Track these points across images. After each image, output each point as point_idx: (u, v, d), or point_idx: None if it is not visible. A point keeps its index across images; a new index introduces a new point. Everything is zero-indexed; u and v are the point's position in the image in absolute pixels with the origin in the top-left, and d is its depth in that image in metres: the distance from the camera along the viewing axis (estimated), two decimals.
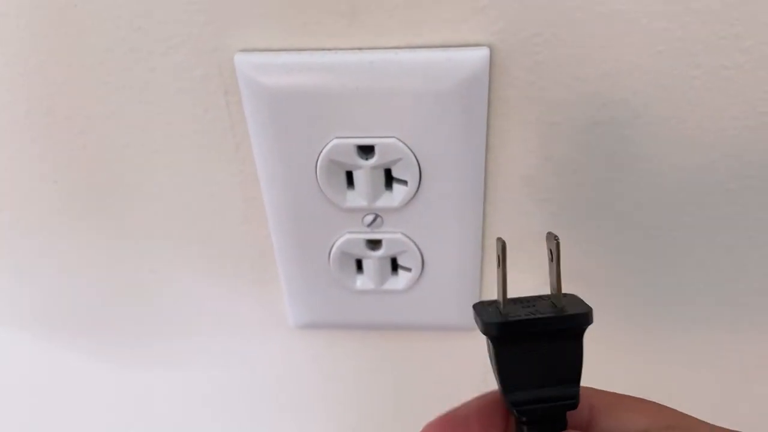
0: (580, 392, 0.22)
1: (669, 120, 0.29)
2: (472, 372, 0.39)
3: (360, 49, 0.28)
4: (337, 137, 0.29)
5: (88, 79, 0.30)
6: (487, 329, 0.21)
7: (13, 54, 0.30)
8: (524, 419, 0.21)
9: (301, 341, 0.39)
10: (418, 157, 0.30)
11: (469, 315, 0.36)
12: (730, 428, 0.20)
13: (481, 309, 0.22)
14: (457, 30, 0.27)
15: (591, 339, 0.37)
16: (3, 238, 0.37)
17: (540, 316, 0.21)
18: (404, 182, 0.30)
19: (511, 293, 0.22)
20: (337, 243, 0.33)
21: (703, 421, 0.20)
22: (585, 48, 0.27)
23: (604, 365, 0.38)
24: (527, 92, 0.28)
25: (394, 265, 0.34)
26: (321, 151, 0.30)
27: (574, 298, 0.23)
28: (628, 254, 0.33)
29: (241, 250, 0.35)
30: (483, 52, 0.27)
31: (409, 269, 0.34)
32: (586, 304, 0.22)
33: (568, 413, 0.22)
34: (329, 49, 0.28)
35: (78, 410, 0.46)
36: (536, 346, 0.21)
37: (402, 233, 0.32)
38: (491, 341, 0.22)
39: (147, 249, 0.36)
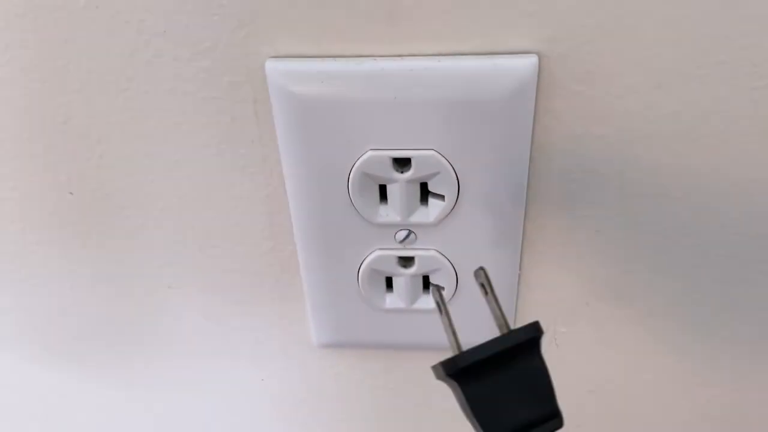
0: None
1: (724, 133, 0.27)
2: None
3: (399, 56, 0.26)
4: (371, 149, 0.28)
5: (108, 85, 0.29)
6: (445, 369, 0.21)
7: (29, 57, 0.28)
8: None
9: (322, 360, 0.38)
10: (457, 171, 0.28)
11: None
12: None
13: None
14: (503, 36, 0.26)
15: (623, 359, 0.35)
16: (15, 249, 0.35)
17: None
18: (441, 197, 0.29)
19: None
20: (367, 260, 0.31)
21: None
22: (638, 56, 0.25)
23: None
24: (575, 103, 0.27)
25: (425, 283, 0.33)
26: (354, 164, 0.28)
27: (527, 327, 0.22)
28: (674, 274, 0.31)
29: (265, 265, 0.34)
30: (531, 60, 0.26)
31: (442, 288, 0.32)
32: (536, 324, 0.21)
33: None
34: (366, 56, 0.26)
35: None
36: (499, 374, 0.21)
37: (436, 250, 0.31)
38: (457, 384, 0.21)
39: (165, 263, 0.34)
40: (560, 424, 0.20)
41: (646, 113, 0.27)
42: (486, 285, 0.22)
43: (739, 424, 0.38)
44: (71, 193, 0.32)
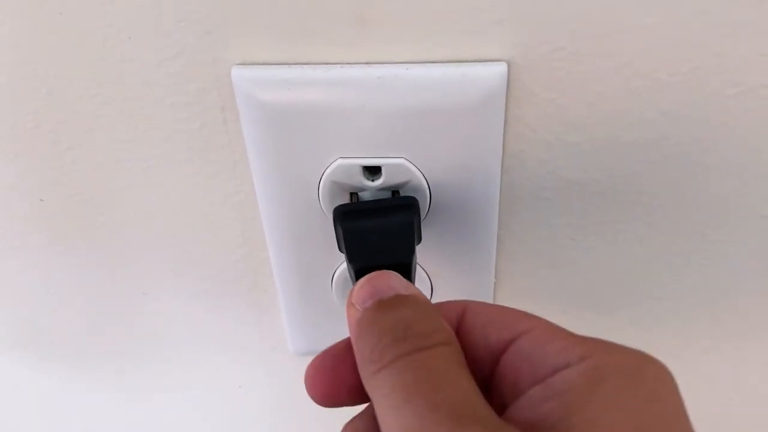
0: (461, 300, 0.23)
1: (701, 141, 0.26)
2: None
3: (367, 63, 0.26)
4: (341, 157, 0.27)
5: (76, 91, 0.28)
6: (333, 214, 0.26)
7: None
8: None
9: (300, 367, 0.37)
10: (428, 179, 0.27)
11: None
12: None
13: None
14: (472, 44, 0.25)
15: None
16: None
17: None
18: None
19: None
20: (340, 268, 0.31)
21: (562, 329, 0.20)
22: (611, 63, 0.25)
23: None
24: (546, 110, 0.26)
25: None
26: (324, 172, 0.28)
27: None
28: (653, 282, 0.31)
29: (239, 272, 0.33)
30: (500, 68, 0.25)
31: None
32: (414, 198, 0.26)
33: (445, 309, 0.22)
34: (334, 63, 0.26)
35: None
36: (374, 222, 0.25)
37: None
38: (339, 223, 0.26)
39: (139, 270, 0.34)
40: (409, 270, 0.25)
41: (619, 120, 0.26)
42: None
43: None
44: (42, 199, 0.32)
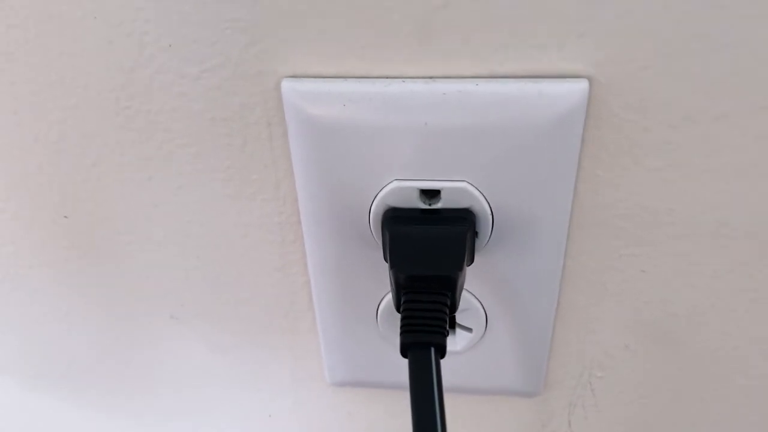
0: None
1: None
2: None
3: (431, 77, 0.24)
4: (397, 179, 0.25)
5: (106, 102, 0.26)
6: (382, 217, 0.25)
7: (21, 71, 0.26)
8: (402, 312, 0.24)
9: (334, 398, 0.35)
10: (491, 205, 0.25)
11: (533, 381, 0.31)
12: None
13: None
14: (550, 58, 0.23)
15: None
16: (6, 273, 0.32)
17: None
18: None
19: None
20: (387, 297, 0.29)
21: None
22: (701, 84, 0.23)
23: None
24: (627, 133, 0.24)
25: (452, 322, 0.30)
26: (377, 194, 0.25)
27: None
28: (724, 317, 0.29)
29: (276, 297, 0.31)
30: (581, 86, 0.23)
31: (469, 329, 0.29)
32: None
33: None
34: (393, 77, 0.24)
35: None
36: (421, 230, 0.24)
37: (467, 290, 0.28)
38: (386, 228, 0.24)
39: (167, 292, 0.31)
40: (454, 287, 0.23)
41: (704, 147, 0.24)
42: None
43: None
44: (66, 216, 0.29)
